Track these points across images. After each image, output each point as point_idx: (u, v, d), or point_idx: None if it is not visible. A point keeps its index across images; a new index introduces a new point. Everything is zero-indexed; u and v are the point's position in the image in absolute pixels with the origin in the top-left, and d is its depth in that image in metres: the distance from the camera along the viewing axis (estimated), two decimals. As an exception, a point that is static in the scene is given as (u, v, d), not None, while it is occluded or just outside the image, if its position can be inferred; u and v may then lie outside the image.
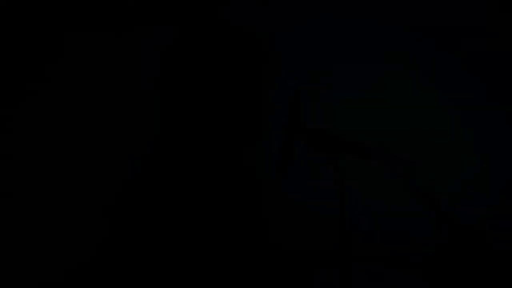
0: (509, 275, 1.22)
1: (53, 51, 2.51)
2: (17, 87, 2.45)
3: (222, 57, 1.55)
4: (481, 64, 2.67)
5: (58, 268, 2.57)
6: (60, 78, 2.52)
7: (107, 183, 2.59)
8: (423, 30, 2.72)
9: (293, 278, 1.59)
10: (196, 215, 1.50)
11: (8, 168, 2.41)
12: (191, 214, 1.49)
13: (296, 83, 1.61)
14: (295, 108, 1.50)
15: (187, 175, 1.56)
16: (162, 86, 1.59)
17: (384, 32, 2.76)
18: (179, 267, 1.45)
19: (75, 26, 2.61)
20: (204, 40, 1.56)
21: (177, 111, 1.57)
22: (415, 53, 2.74)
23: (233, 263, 1.53)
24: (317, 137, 1.45)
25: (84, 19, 2.66)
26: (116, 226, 1.49)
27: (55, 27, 2.55)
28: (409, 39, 2.74)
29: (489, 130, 2.68)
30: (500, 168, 2.67)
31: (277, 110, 1.61)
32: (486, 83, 2.68)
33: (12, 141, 2.42)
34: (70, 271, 2.59)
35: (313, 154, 1.46)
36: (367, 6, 2.78)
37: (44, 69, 2.51)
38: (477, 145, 2.69)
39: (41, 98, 2.52)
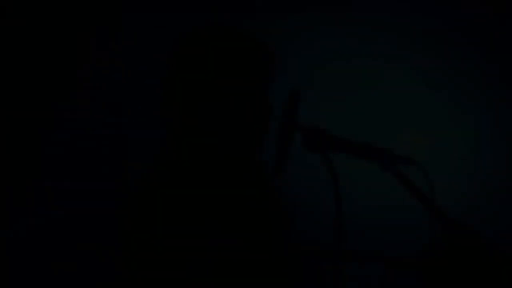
0: (504, 272, 1.23)
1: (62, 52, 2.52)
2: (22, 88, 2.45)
3: (224, 58, 1.55)
4: (478, 64, 2.67)
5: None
6: (68, 77, 2.53)
7: (115, 181, 2.60)
8: (419, 30, 2.72)
9: (290, 275, 1.59)
10: (205, 214, 1.50)
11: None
12: (199, 213, 1.49)
13: (293, 82, 1.61)
14: (292, 108, 1.50)
15: (194, 173, 1.56)
16: (168, 87, 1.59)
17: (381, 32, 2.77)
18: (184, 264, 1.46)
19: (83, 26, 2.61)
20: (206, 42, 1.56)
21: (182, 111, 1.58)
22: (411, 52, 2.74)
23: (239, 260, 1.54)
24: (313, 136, 1.45)
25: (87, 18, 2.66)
26: (125, 224, 1.49)
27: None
28: (406, 39, 2.74)
29: (485, 129, 2.68)
30: (495, 166, 2.68)
31: (275, 110, 1.61)
32: (482, 82, 2.68)
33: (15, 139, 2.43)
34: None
35: (309, 153, 1.46)
36: (363, 7, 2.78)
37: (53, 70, 2.51)
38: (473, 143, 2.70)
39: (50, 99, 2.52)
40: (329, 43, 2.85)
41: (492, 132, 2.69)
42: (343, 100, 2.85)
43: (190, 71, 1.54)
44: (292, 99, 1.49)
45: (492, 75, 2.66)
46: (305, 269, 2.73)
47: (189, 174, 1.53)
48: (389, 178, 1.45)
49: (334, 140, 1.45)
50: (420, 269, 1.27)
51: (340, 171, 1.47)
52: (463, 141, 2.72)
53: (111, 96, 2.77)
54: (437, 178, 1.58)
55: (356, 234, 2.63)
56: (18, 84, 2.44)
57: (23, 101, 2.45)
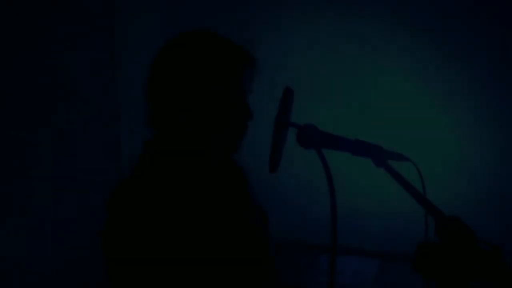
0: (496, 268, 1.24)
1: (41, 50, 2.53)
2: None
3: (203, 64, 1.56)
4: (470, 61, 2.69)
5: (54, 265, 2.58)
6: (47, 77, 2.54)
7: (99, 182, 2.61)
8: (417, 28, 2.74)
9: (284, 271, 1.60)
10: (189, 214, 1.51)
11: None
12: (183, 213, 1.50)
13: (288, 81, 1.62)
14: (286, 105, 1.51)
15: (178, 174, 1.57)
16: (151, 91, 1.61)
17: (378, 30, 2.78)
18: (173, 265, 1.46)
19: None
20: (189, 45, 1.57)
21: (165, 114, 1.59)
22: (402, 50, 2.76)
23: (228, 259, 1.54)
24: (307, 133, 1.46)
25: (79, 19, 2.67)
26: (109, 224, 1.50)
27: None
28: (394, 37, 2.76)
29: (481, 126, 2.69)
30: (486, 162, 2.69)
31: (268, 108, 1.62)
32: (474, 78, 2.69)
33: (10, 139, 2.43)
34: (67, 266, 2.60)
35: (303, 150, 1.47)
36: (355, 7, 2.80)
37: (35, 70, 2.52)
38: (469, 141, 2.71)
39: (40, 102, 2.53)
40: (326, 41, 2.86)
41: (488, 129, 2.70)
42: (339, 97, 2.86)
43: (171, 77, 1.54)
44: (286, 96, 1.50)
45: (489, 73, 2.68)
46: (301, 263, 2.74)
47: (175, 175, 1.53)
48: (383, 174, 1.46)
49: (327, 136, 1.46)
50: (415, 264, 1.28)
51: (338, 169, 1.48)
52: (457, 138, 2.74)
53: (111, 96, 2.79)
54: (430, 175, 1.60)
55: (352, 230, 2.65)
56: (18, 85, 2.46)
57: (21, 101, 2.46)
